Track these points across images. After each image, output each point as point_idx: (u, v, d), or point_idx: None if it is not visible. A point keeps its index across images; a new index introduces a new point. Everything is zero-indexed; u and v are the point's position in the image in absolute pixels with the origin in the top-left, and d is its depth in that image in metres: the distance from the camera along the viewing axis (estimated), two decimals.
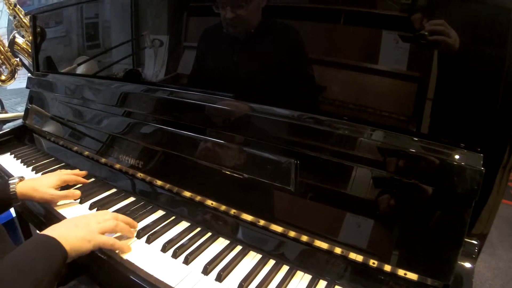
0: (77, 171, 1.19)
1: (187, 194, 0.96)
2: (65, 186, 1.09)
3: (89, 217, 0.86)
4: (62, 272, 0.74)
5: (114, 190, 1.11)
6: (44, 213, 1.06)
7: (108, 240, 0.82)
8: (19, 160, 1.36)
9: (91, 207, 1.02)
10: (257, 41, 0.95)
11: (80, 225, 0.81)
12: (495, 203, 0.71)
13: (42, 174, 1.23)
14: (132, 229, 0.89)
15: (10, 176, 1.26)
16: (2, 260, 0.69)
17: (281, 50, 0.92)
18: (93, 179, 1.18)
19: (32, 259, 0.70)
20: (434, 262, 0.67)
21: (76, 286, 0.91)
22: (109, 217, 0.87)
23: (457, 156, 0.68)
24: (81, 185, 1.13)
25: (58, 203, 1.04)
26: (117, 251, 0.83)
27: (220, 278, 0.75)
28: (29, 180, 1.07)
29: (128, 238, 0.88)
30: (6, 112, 2.05)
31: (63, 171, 1.16)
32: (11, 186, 1.01)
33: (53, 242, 0.74)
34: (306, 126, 0.80)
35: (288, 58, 0.90)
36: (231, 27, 0.96)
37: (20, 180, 1.04)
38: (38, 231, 1.05)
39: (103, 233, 0.83)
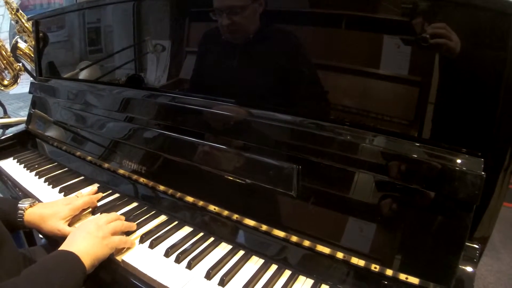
0: (92, 191, 1.11)
1: (189, 199, 0.97)
2: None
3: (96, 221, 0.87)
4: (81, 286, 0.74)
5: (117, 195, 1.12)
6: None
7: (121, 238, 0.85)
8: (22, 165, 1.37)
9: (94, 213, 1.03)
10: (257, 46, 0.95)
11: (93, 232, 0.82)
12: (496, 207, 0.72)
13: (45, 179, 1.23)
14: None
15: (14, 182, 1.27)
16: (20, 274, 0.69)
17: (281, 56, 0.92)
18: (96, 185, 1.18)
19: (50, 274, 0.70)
20: (436, 267, 0.67)
21: None
22: (113, 217, 0.91)
23: (458, 161, 0.68)
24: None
25: None
26: (121, 255, 0.85)
27: (223, 283, 0.75)
28: (39, 207, 0.97)
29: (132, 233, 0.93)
30: (8, 117, 2.05)
31: (80, 198, 1.02)
32: (19, 212, 0.93)
33: (72, 257, 0.74)
34: (308, 132, 0.81)
35: (288, 64, 0.91)
36: (229, 33, 0.96)
37: (31, 206, 0.95)
38: (40, 236, 1.05)
39: (113, 234, 0.85)
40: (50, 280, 0.68)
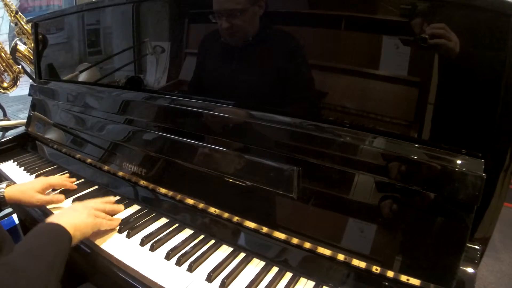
0: (63, 176, 1.23)
1: (190, 201, 0.97)
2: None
3: (82, 203, 0.97)
4: (67, 256, 0.78)
5: (117, 197, 1.11)
6: None
7: (102, 221, 0.91)
8: (22, 168, 1.37)
9: None
10: (257, 49, 0.95)
11: (78, 210, 0.90)
12: (497, 208, 0.72)
13: None
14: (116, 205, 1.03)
15: None
16: (14, 249, 0.73)
17: (281, 57, 0.92)
18: (96, 187, 1.18)
19: (42, 245, 0.74)
20: (437, 268, 0.67)
21: None
22: (97, 200, 1.00)
23: (458, 162, 0.68)
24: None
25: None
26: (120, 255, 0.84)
27: (224, 285, 0.75)
28: (17, 184, 1.11)
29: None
30: (8, 119, 2.05)
31: (54, 176, 1.21)
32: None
33: (59, 227, 0.79)
34: (307, 134, 0.81)
35: (288, 65, 0.91)
36: (228, 36, 0.96)
37: (9, 185, 1.07)
38: None
39: (98, 215, 0.92)
40: (46, 251, 0.73)
